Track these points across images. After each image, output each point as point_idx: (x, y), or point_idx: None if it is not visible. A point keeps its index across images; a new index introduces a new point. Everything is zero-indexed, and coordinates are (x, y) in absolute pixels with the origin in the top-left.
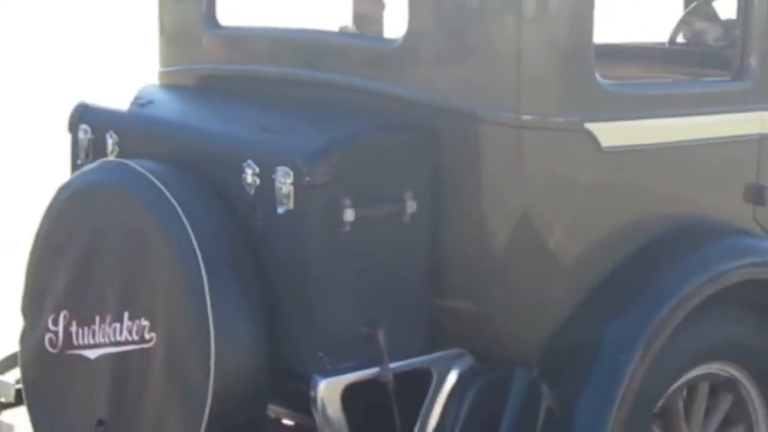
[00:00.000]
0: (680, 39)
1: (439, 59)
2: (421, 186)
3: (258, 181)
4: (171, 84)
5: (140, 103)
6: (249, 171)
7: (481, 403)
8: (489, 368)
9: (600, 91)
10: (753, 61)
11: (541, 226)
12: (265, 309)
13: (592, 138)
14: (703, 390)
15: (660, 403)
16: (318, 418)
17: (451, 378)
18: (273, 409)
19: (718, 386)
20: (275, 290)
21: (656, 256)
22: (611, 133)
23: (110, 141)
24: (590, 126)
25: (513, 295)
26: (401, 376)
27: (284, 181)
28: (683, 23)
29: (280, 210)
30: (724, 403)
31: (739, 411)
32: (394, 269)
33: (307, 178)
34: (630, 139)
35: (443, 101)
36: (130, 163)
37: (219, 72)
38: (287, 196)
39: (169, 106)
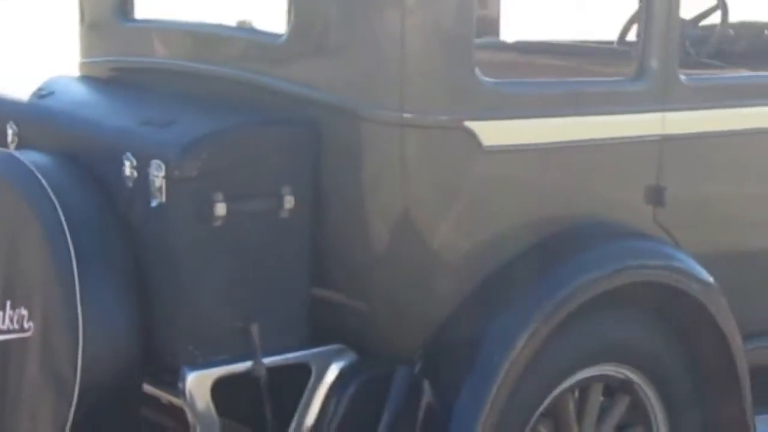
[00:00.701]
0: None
1: (322, 55)
2: (300, 182)
3: (135, 174)
4: (84, 75)
5: (41, 94)
6: (128, 164)
7: (361, 400)
8: (371, 365)
9: (481, 89)
10: (653, 62)
11: (423, 225)
12: (139, 302)
13: (472, 136)
14: (596, 391)
15: (547, 403)
16: (187, 410)
17: (331, 373)
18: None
19: (615, 388)
20: (150, 283)
21: (542, 256)
22: (493, 132)
23: (10, 131)
24: (470, 124)
25: (396, 293)
26: (287, 371)
27: (157, 174)
28: (632, 21)
29: (153, 203)
30: (621, 405)
31: (639, 413)
32: (270, 264)
33: (177, 172)
34: (513, 139)
35: (326, 97)
36: (16, 154)
37: (128, 64)
38: (159, 189)
39: (67, 98)
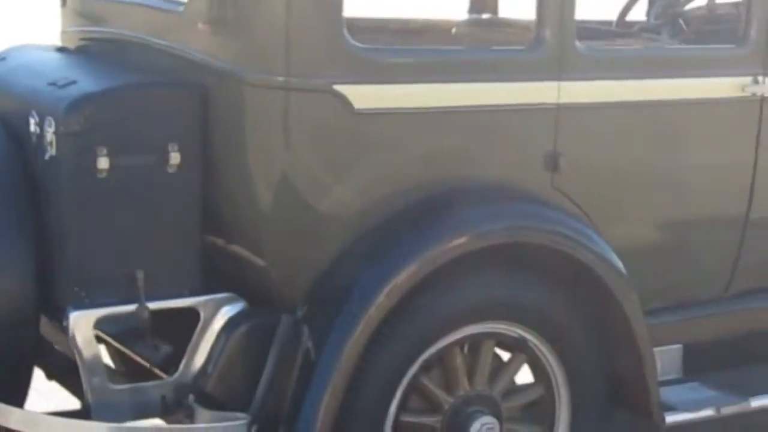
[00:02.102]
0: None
1: (213, 23)
2: (187, 140)
3: (38, 129)
4: (51, 45)
5: None
6: (32, 121)
7: (247, 345)
8: (258, 312)
9: (351, 54)
10: (548, 33)
11: (302, 183)
12: (35, 246)
13: (344, 100)
14: (488, 348)
15: (427, 355)
16: (72, 347)
17: (219, 319)
18: None
19: (511, 346)
20: (46, 230)
21: (415, 216)
22: (365, 96)
23: None
24: (341, 88)
25: (280, 247)
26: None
27: (48, 129)
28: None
29: (46, 156)
30: (517, 363)
31: (539, 371)
32: (158, 215)
33: (62, 127)
34: (386, 103)
35: (216, 63)
36: None
37: (83, 34)
38: (51, 143)
39: (13, 63)
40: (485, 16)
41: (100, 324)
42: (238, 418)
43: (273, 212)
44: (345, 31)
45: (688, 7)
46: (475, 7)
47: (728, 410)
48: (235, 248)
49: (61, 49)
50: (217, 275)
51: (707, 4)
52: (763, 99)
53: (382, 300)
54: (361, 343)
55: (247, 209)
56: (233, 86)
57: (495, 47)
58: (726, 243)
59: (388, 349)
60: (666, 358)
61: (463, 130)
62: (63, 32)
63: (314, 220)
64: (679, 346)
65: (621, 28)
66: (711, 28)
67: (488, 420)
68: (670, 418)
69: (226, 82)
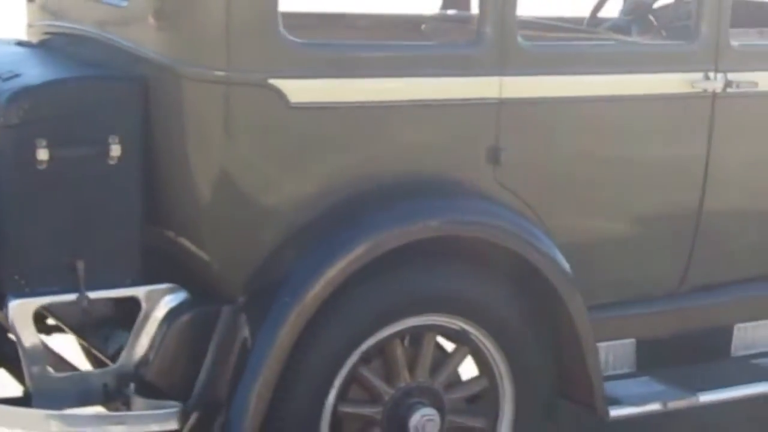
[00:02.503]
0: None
1: (154, 18)
2: (128, 132)
3: None
4: (13, 39)
5: None
6: None
7: (187, 335)
8: (201, 303)
9: (287, 49)
10: (489, 28)
11: (240, 177)
12: None
13: (279, 94)
14: (429, 340)
15: (365, 347)
16: (12, 334)
17: (161, 309)
18: None
19: (454, 339)
20: None
21: (354, 208)
22: (300, 90)
23: None
24: (276, 82)
25: (220, 240)
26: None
27: None
28: None
29: None
30: (459, 356)
31: (483, 364)
32: (99, 206)
33: (2, 119)
34: (323, 97)
35: (156, 56)
36: None
37: (45, 29)
38: None
39: None
40: (450, 12)
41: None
42: (170, 406)
43: (212, 206)
44: (281, 27)
45: (658, 3)
46: (447, 4)
47: (675, 405)
48: (179, 240)
49: (21, 43)
50: (161, 266)
51: (676, 1)
52: (715, 95)
53: (315, 291)
54: (295, 332)
55: (187, 203)
56: (173, 80)
57: (438, 43)
58: (679, 239)
59: (325, 339)
60: (618, 352)
61: (401, 124)
62: (29, 26)
63: (253, 213)
64: (632, 340)
65: (591, 26)
66: (681, 24)
67: (428, 411)
68: (615, 412)
69: (166, 76)
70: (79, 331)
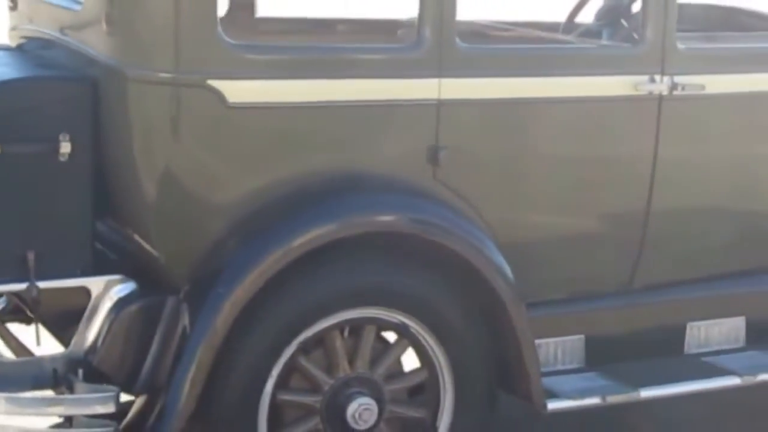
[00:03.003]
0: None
1: (103, 20)
2: (78, 131)
3: None
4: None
5: None
6: None
7: (135, 324)
8: (148, 293)
9: (225, 51)
10: (428, 31)
11: (183, 175)
12: None
13: (217, 94)
14: (369, 333)
15: (303, 337)
16: None
17: (110, 299)
18: None
19: (395, 332)
20: None
21: (291, 204)
22: (238, 91)
23: None
24: (215, 83)
25: (166, 234)
26: None
27: None
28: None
29: None
30: (399, 348)
31: (424, 357)
32: (50, 200)
33: None
34: (260, 97)
35: (105, 58)
36: None
37: (21, 32)
38: None
39: None
40: None
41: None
42: (108, 391)
43: (158, 202)
44: (219, 29)
45: (635, 8)
46: None
47: (614, 399)
48: (127, 233)
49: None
50: (112, 258)
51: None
52: (661, 98)
53: (249, 282)
54: (228, 321)
55: (135, 199)
56: (120, 81)
57: (378, 45)
58: (627, 238)
59: (262, 329)
60: (567, 347)
61: (339, 124)
62: (11, 30)
63: (196, 209)
64: (581, 336)
65: (566, 31)
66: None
67: (366, 401)
68: (553, 405)
69: (114, 77)
70: (41, 320)
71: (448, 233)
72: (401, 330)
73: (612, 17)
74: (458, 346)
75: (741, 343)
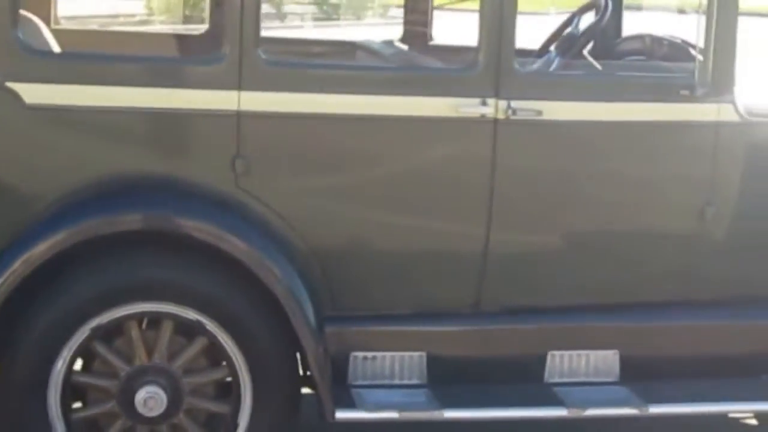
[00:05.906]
0: None
1: None
2: None
3: None
4: None
5: None
6: None
7: None
8: None
9: (24, 55)
10: (227, 45)
11: None
12: None
13: (15, 95)
14: (165, 327)
15: (94, 324)
16: None
17: None
18: None
19: (193, 329)
20: None
21: (73, 202)
22: (34, 93)
23: None
24: (13, 85)
25: None
26: None
27: None
28: None
29: None
30: (197, 344)
31: (223, 354)
32: None
33: None
34: (59, 100)
35: None
36: None
37: None
38: None
39: None
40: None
41: None
42: None
43: None
44: (19, 33)
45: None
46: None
47: (410, 415)
48: None
49: None
50: None
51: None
52: (496, 121)
53: (16, 268)
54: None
55: None
56: None
57: (173, 56)
58: (466, 260)
59: (43, 314)
60: (407, 363)
61: (138, 130)
62: None
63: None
64: (421, 353)
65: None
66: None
67: (152, 389)
68: (343, 414)
69: None
70: None
71: (231, 241)
72: (197, 327)
73: (567, 46)
74: (254, 346)
75: (614, 378)
